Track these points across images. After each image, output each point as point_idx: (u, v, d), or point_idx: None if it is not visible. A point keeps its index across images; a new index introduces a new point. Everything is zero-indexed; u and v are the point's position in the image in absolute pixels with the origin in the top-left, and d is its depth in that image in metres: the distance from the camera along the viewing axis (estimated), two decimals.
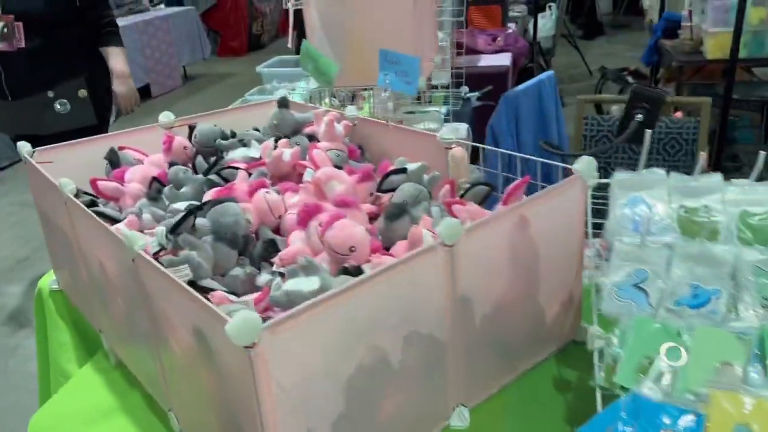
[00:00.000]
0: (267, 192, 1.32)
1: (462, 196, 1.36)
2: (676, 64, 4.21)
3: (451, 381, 1.09)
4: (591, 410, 1.13)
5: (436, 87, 3.06)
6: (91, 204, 1.42)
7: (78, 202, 1.27)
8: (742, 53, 4.06)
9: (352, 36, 1.97)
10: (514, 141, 2.63)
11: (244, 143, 1.65)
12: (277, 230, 1.34)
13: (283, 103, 1.71)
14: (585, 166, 1.18)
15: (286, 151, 1.51)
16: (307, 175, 1.40)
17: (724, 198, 1.17)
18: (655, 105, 1.40)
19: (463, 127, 2.71)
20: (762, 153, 1.19)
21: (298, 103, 1.89)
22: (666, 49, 4.36)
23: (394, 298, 0.95)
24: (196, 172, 1.63)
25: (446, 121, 3.05)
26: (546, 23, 6.22)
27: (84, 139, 1.65)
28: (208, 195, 1.36)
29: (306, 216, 1.14)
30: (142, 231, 1.32)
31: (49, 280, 1.70)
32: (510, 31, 4.36)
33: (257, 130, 1.80)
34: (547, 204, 1.14)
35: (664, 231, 1.17)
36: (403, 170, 1.39)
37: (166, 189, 1.46)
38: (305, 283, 0.96)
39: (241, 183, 1.39)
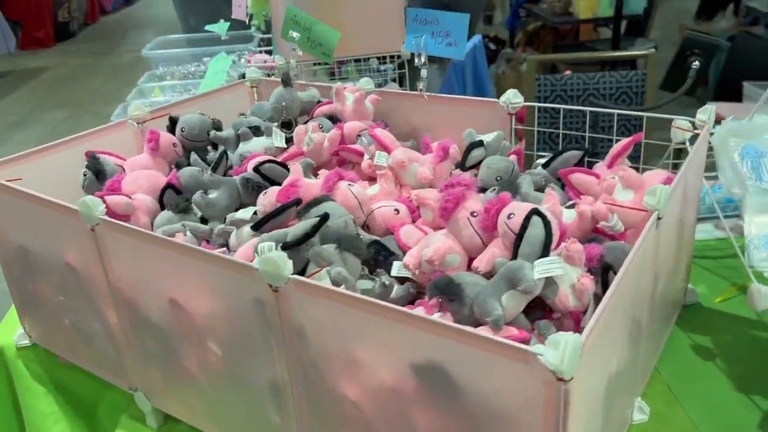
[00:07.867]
0: (350, 185, 1.08)
1: (549, 163, 1.22)
2: (550, 26, 4.37)
3: (638, 371, 0.97)
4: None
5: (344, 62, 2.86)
6: None
7: (128, 226, 0.95)
8: (606, 12, 4.35)
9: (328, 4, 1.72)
10: None
11: (256, 131, 1.36)
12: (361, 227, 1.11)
13: (288, 81, 1.44)
14: (709, 116, 1.10)
15: (327, 137, 1.27)
16: (381, 159, 1.18)
17: None
18: (709, 52, 1.36)
19: None
20: None
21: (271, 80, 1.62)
22: (534, 12, 4.52)
23: (636, 286, 0.81)
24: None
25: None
26: None
27: (38, 148, 1.27)
28: (269, 197, 1.09)
29: (454, 206, 0.93)
30: None
31: (14, 336, 1.30)
32: None
33: (243, 115, 1.52)
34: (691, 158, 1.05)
35: None
36: (480, 143, 1.23)
37: (196, 196, 1.15)
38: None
39: (304, 178, 1.13)
